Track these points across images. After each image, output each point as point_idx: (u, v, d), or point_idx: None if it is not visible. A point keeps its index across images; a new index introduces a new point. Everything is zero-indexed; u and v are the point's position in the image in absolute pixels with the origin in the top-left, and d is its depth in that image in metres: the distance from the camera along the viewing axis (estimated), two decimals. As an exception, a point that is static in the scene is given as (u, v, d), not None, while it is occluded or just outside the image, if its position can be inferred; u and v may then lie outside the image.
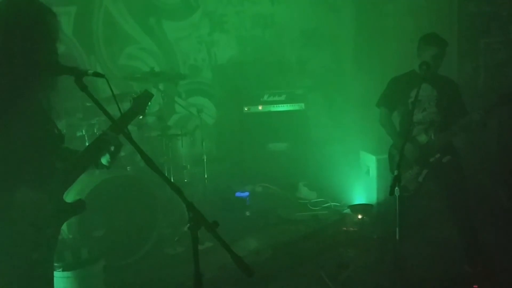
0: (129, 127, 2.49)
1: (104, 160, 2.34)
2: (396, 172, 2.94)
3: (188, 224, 1.83)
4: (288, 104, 6.46)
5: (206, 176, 5.45)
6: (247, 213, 5.39)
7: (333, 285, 3.94)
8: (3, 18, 2.05)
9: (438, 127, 3.95)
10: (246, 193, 5.57)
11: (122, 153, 4.54)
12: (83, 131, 4.26)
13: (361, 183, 5.70)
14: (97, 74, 2.04)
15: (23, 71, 2.05)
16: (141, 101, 2.60)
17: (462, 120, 3.86)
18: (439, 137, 3.90)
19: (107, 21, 5.73)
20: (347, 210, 5.42)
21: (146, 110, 2.65)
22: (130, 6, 5.90)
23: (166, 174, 4.56)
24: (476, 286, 3.72)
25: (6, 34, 2.03)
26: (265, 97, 6.44)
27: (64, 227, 3.72)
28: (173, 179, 4.79)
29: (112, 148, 2.29)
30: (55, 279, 2.39)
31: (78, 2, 5.45)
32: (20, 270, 2.07)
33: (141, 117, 4.92)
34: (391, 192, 2.91)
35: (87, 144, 4.01)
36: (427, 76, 3.76)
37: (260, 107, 6.42)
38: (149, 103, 2.66)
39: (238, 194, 5.58)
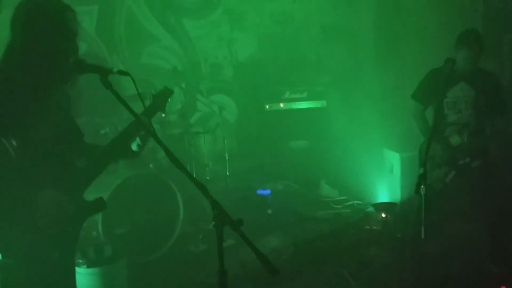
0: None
1: (135, 145, 2.34)
2: (422, 170, 2.89)
3: (213, 222, 1.82)
4: (310, 101, 6.42)
5: (227, 174, 5.45)
6: (269, 211, 5.37)
7: (355, 283, 3.91)
8: (23, 17, 2.06)
9: (472, 129, 3.82)
10: (268, 191, 5.55)
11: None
12: (107, 129, 4.29)
13: (384, 181, 5.63)
14: (122, 72, 2.04)
15: (43, 70, 2.06)
16: (161, 98, 2.59)
17: (496, 124, 3.75)
18: (472, 141, 3.78)
19: (129, 19, 5.76)
20: (370, 209, 5.36)
21: (166, 107, 2.63)
22: (151, 4, 5.92)
23: (188, 172, 4.57)
24: (505, 287, 3.65)
25: (26, 33, 2.04)
26: (287, 95, 6.41)
27: (88, 224, 3.76)
28: (195, 177, 4.79)
29: (142, 132, 2.29)
30: (79, 275, 2.42)
31: (100, 1, 5.48)
32: (42, 269, 2.08)
33: (163, 115, 4.94)
34: (417, 190, 2.87)
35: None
36: (466, 70, 3.65)
37: (281, 105, 6.39)
38: (169, 99, 2.65)
39: (259, 192, 5.56)
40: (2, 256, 1.99)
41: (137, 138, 2.32)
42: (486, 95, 3.81)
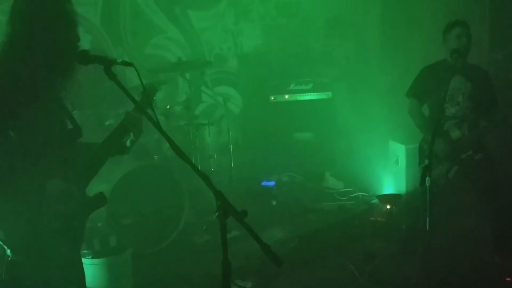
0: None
1: (128, 141, 2.34)
2: (426, 162, 2.89)
3: (217, 213, 1.81)
4: (315, 93, 6.40)
5: (232, 165, 5.46)
6: (273, 203, 5.37)
7: (360, 275, 3.91)
8: (21, 9, 2.06)
9: (471, 122, 3.82)
10: (272, 182, 5.55)
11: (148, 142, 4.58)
12: (111, 120, 4.29)
13: (389, 173, 5.62)
14: (125, 63, 2.03)
15: (43, 61, 2.06)
16: (146, 96, 2.53)
17: (493, 117, 3.75)
18: (473, 134, 3.78)
19: (134, 10, 5.75)
20: (375, 200, 5.35)
21: (153, 104, 2.57)
22: (156, -5, 5.91)
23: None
24: (509, 279, 3.65)
25: (25, 25, 2.04)
26: (292, 86, 6.38)
27: (93, 215, 3.78)
28: (200, 168, 4.81)
29: (134, 128, 2.29)
30: (84, 266, 2.42)
31: (105, -8, 5.48)
32: (51, 265, 2.09)
33: (168, 106, 4.94)
34: (422, 183, 2.87)
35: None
36: (458, 65, 3.65)
37: (286, 96, 6.37)
38: (154, 97, 2.63)
39: (264, 183, 5.56)
40: (12, 254, 2.00)
41: (131, 134, 2.32)
42: (480, 88, 3.85)
